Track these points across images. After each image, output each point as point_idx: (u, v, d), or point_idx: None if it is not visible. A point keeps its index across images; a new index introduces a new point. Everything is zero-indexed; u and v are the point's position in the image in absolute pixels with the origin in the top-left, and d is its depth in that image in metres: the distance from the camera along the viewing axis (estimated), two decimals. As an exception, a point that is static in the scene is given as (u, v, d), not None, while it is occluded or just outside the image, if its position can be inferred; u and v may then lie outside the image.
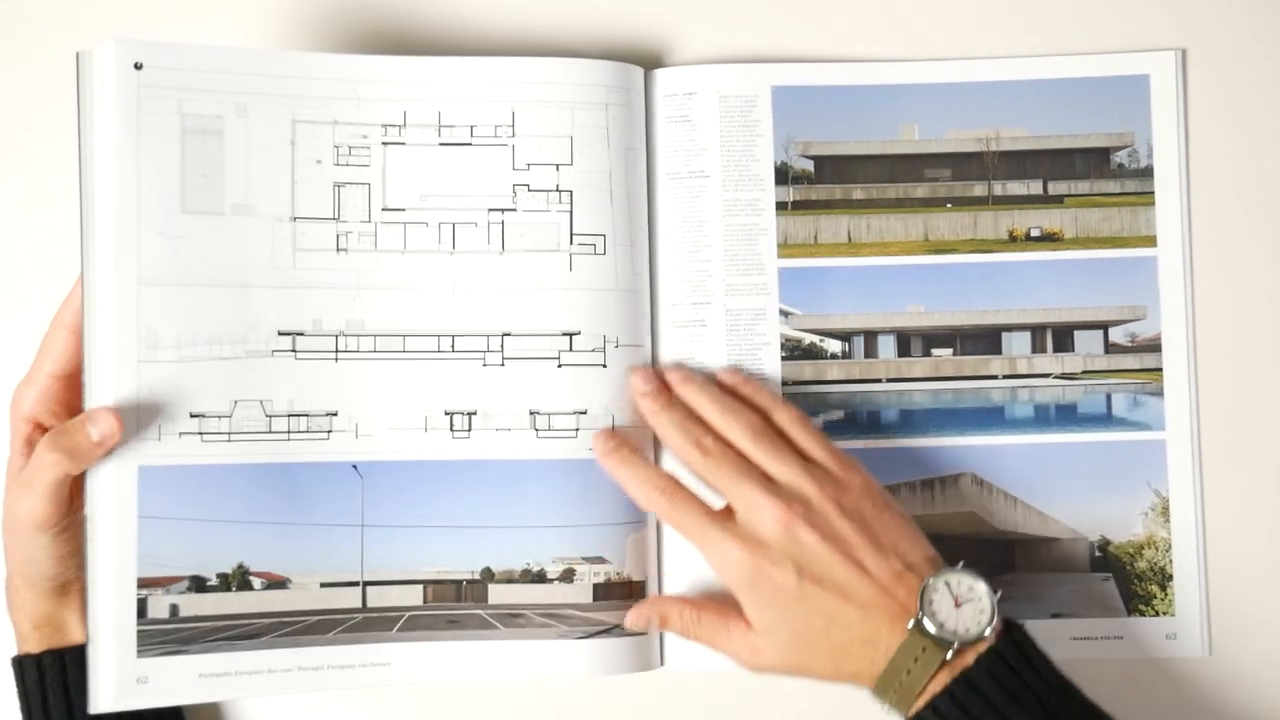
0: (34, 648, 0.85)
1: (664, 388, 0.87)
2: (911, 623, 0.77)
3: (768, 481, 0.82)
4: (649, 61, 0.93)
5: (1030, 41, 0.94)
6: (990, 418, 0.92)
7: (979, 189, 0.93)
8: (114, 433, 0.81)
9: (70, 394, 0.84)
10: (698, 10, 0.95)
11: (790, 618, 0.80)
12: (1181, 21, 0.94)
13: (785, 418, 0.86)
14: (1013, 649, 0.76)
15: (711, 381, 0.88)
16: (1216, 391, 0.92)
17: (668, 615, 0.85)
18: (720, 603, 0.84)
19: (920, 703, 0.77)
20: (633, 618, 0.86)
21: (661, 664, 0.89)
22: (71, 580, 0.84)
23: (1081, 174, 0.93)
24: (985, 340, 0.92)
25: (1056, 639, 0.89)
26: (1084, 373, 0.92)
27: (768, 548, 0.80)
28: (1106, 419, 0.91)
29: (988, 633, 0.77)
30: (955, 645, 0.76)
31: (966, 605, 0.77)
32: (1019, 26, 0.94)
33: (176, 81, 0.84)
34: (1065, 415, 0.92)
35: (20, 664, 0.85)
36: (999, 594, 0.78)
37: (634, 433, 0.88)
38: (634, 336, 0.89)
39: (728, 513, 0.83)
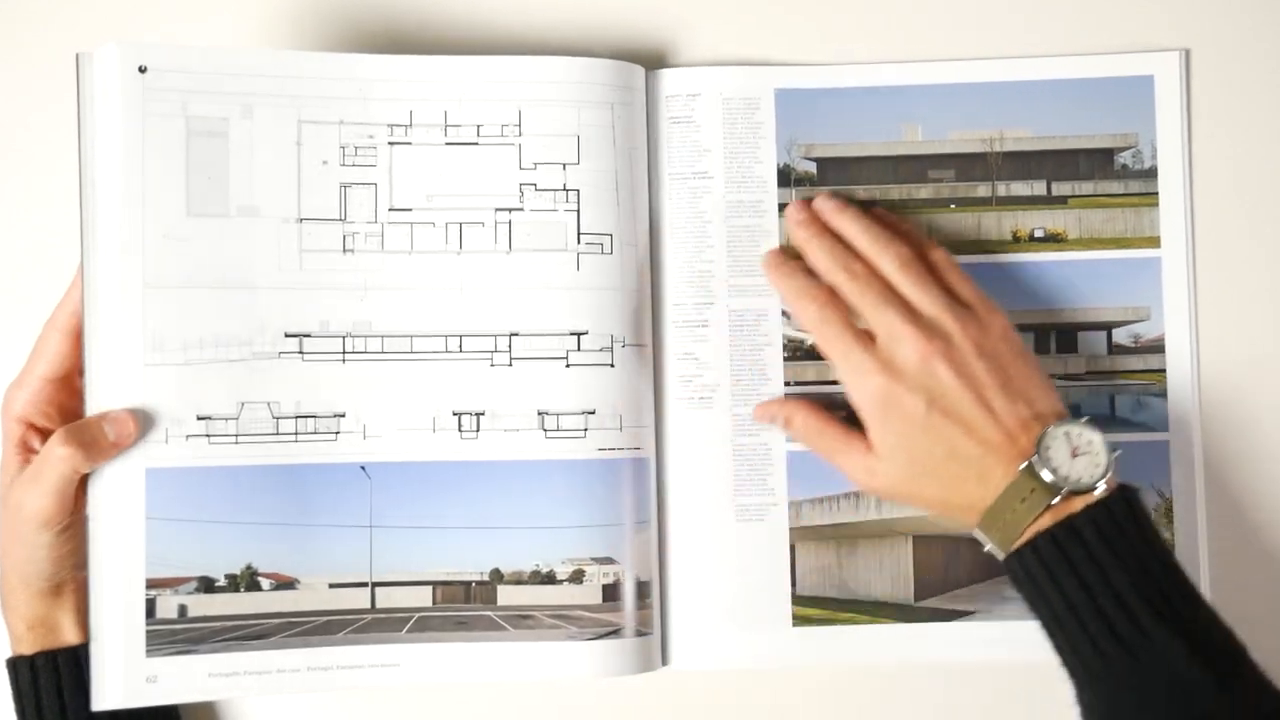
0: (28, 649, 0.85)
1: (816, 218, 0.89)
2: (1024, 464, 0.79)
3: (912, 313, 0.83)
4: (652, 62, 0.93)
5: (1034, 42, 0.94)
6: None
7: (982, 190, 0.93)
8: (131, 434, 0.82)
9: (63, 396, 0.84)
10: (701, 12, 0.95)
11: (912, 445, 0.82)
12: (1185, 22, 0.94)
13: (937, 256, 0.87)
14: (1123, 506, 0.78)
15: (865, 214, 0.89)
16: (1219, 393, 0.92)
17: (793, 418, 0.88)
18: (843, 423, 0.86)
19: (1021, 540, 0.78)
20: (760, 411, 0.90)
21: (665, 664, 0.90)
22: (66, 581, 0.84)
23: (1085, 175, 0.93)
24: (989, 341, 0.93)
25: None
26: (1088, 374, 0.92)
27: (904, 375, 0.82)
28: (1110, 420, 0.92)
29: (1100, 487, 0.78)
30: (1064, 491, 0.78)
31: (1083, 457, 0.78)
32: (1022, 27, 0.95)
33: (181, 84, 0.84)
34: (1069, 416, 0.92)
35: (14, 665, 0.85)
36: (1118, 452, 0.79)
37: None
38: (641, 336, 0.90)
39: (870, 338, 0.84)
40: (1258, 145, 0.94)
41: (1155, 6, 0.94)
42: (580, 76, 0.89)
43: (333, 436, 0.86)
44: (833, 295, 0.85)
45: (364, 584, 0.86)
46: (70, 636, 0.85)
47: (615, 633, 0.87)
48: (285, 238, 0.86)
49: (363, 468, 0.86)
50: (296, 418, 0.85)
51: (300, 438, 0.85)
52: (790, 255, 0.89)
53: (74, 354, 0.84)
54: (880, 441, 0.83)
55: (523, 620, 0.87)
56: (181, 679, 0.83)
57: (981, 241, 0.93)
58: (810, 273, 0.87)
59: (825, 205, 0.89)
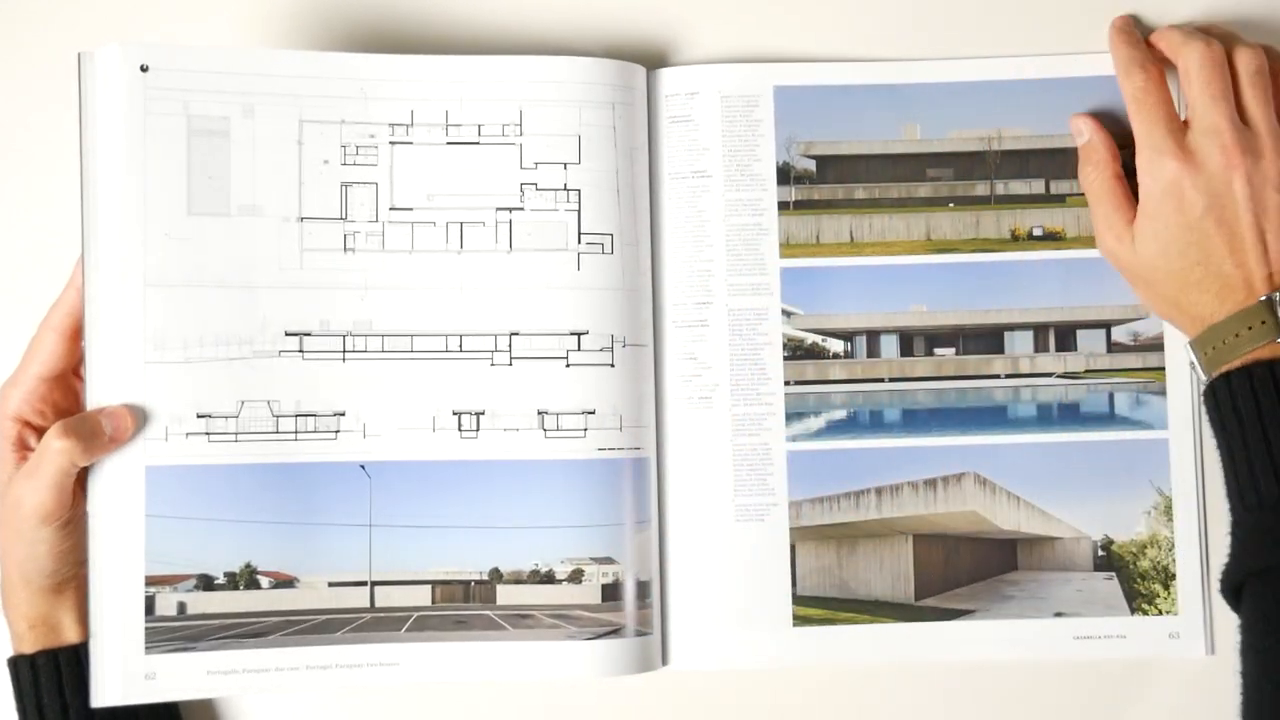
0: (29, 648, 0.85)
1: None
2: (1266, 297, 0.81)
3: (1239, 118, 0.84)
4: (652, 61, 0.94)
5: (1032, 40, 0.94)
6: (993, 417, 0.93)
7: (981, 188, 0.93)
8: (128, 429, 0.83)
9: (58, 395, 0.85)
10: (700, 10, 0.96)
11: (1170, 235, 0.84)
12: (1184, 20, 0.93)
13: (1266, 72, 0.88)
14: None
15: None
16: None
17: (1093, 153, 0.90)
18: (1124, 183, 0.88)
19: (1235, 364, 0.81)
20: (1078, 122, 0.91)
21: (664, 664, 0.90)
22: (68, 579, 0.85)
23: (1084, 173, 0.94)
24: (987, 340, 0.93)
25: (1059, 638, 0.90)
26: (1086, 372, 0.93)
27: (1199, 172, 0.83)
28: (1109, 418, 0.92)
29: None
30: None
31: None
32: (1021, 26, 0.95)
33: (182, 83, 0.85)
34: (1068, 414, 0.93)
35: (15, 664, 0.86)
36: None
37: None
38: (641, 336, 0.90)
39: (1182, 126, 0.85)
40: None
41: (1155, 7, 0.94)
42: (581, 76, 0.89)
43: (333, 435, 0.86)
44: (1161, 74, 0.87)
45: (363, 583, 0.87)
46: (71, 635, 0.86)
47: (615, 632, 0.88)
48: (286, 237, 0.86)
49: (362, 467, 0.87)
50: (296, 416, 0.86)
51: (300, 436, 0.86)
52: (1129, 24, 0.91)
53: (69, 353, 0.85)
54: (1144, 222, 0.85)
55: (522, 620, 0.87)
56: (180, 676, 0.83)
57: (980, 240, 0.93)
58: (1149, 47, 0.89)
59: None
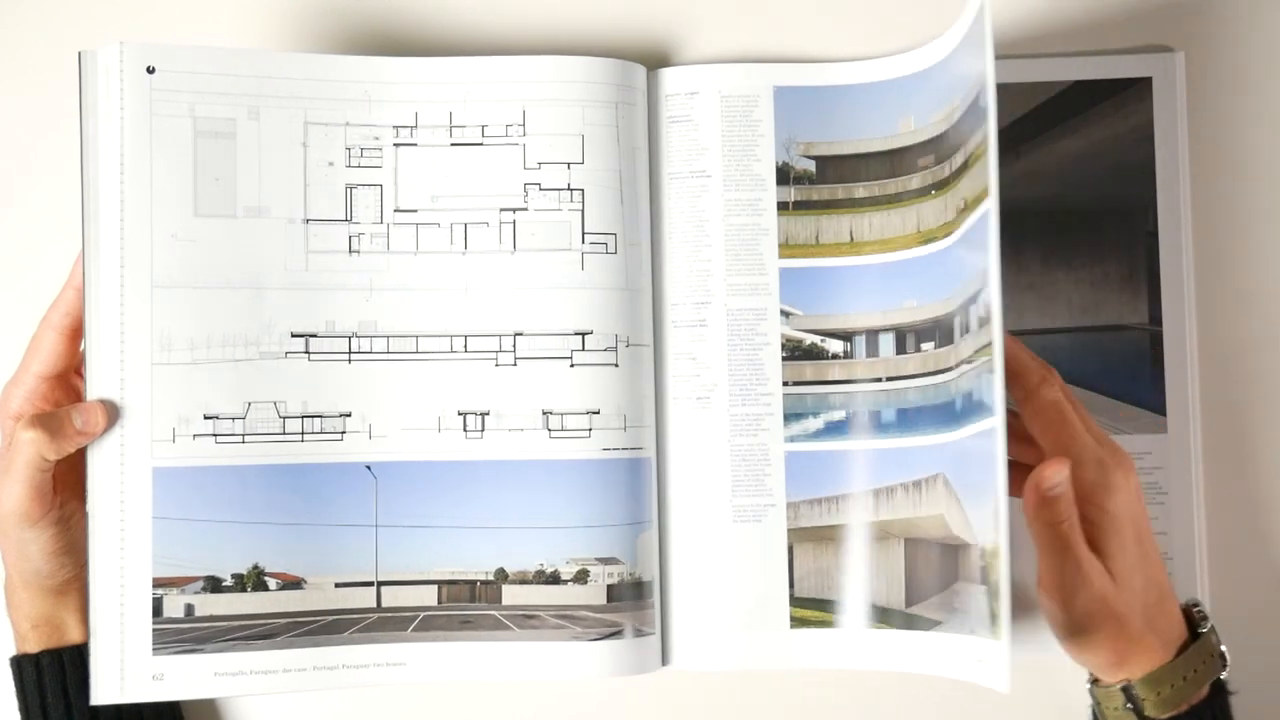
0: (32, 648, 0.87)
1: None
2: (1206, 628, 0.81)
3: None
4: (652, 61, 0.95)
5: (1032, 43, 0.96)
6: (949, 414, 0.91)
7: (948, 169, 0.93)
8: (99, 423, 0.84)
9: (59, 394, 0.87)
10: (700, 10, 0.97)
11: (1143, 560, 0.80)
12: (1184, 23, 0.96)
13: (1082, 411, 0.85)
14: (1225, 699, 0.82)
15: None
16: (1216, 390, 0.95)
17: (1070, 494, 0.78)
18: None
19: (1184, 708, 0.80)
20: (1058, 465, 0.77)
21: (665, 664, 0.91)
22: (70, 580, 0.86)
23: (1083, 173, 0.95)
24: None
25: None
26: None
27: (1135, 482, 0.81)
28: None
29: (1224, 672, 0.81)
30: (1223, 673, 0.81)
31: (1212, 633, 0.82)
32: (1020, 27, 0.97)
33: (188, 85, 0.86)
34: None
35: (19, 664, 0.88)
36: None
37: None
38: (643, 336, 0.92)
39: None
40: (1255, 146, 0.96)
41: (1154, 7, 0.96)
42: (584, 76, 0.90)
43: (339, 436, 0.88)
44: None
45: (370, 583, 0.88)
46: (75, 635, 0.88)
47: (618, 633, 0.89)
48: (292, 238, 0.88)
49: (368, 467, 0.88)
50: (303, 417, 0.88)
51: (306, 437, 0.88)
52: None
53: (69, 352, 0.86)
54: (1125, 546, 0.79)
55: (527, 620, 0.89)
56: (188, 677, 0.85)
57: (951, 224, 0.93)
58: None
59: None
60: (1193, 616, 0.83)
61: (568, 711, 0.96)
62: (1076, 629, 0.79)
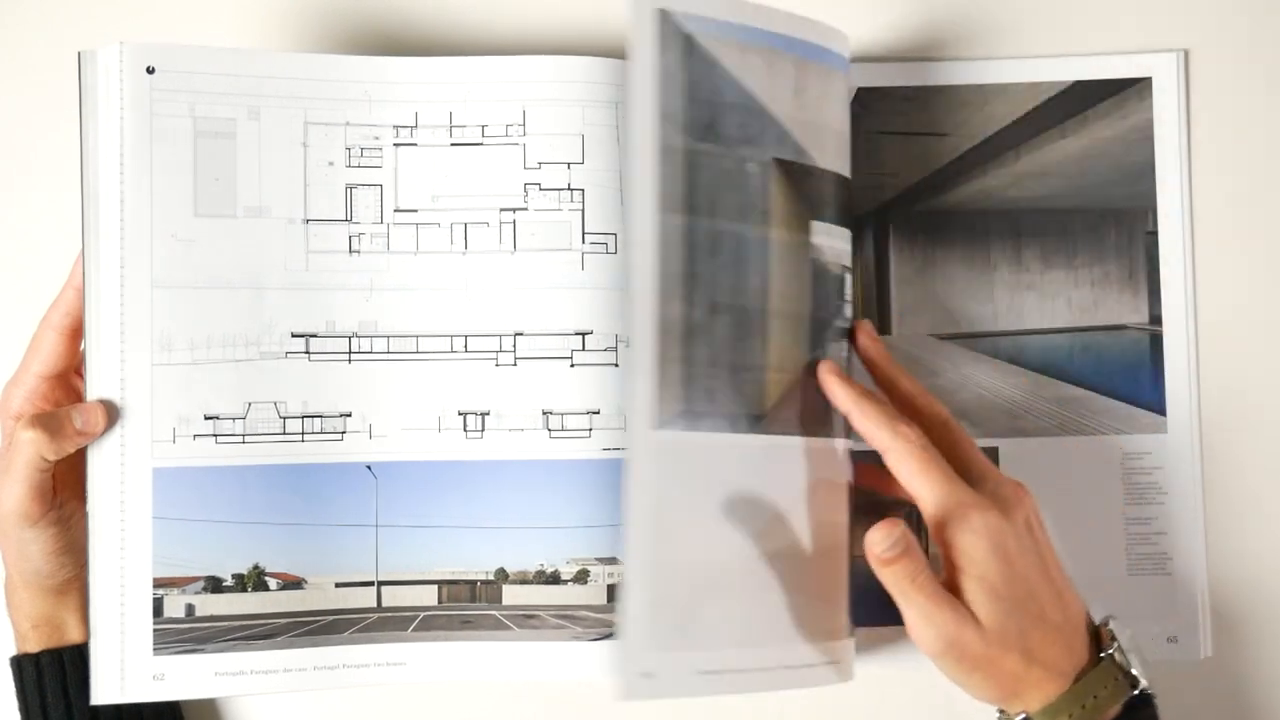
0: (33, 647, 0.88)
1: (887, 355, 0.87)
2: (1112, 649, 0.80)
3: None
4: None
5: (1032, 43, 0.97)
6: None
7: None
8: (98, 423, 0.84)
9: (59, 393, 0.87)
10: None
11: (1011, 599, 0.78)
12: (1184, 23, 0.96)
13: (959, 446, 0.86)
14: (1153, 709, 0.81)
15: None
16: (1217, 390, 0.95)
17: (911, 549, 0.79)
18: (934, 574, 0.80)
19: None
20: (886, 529, 0.78)
21: None
22: (70, 580, 0.87)
23: (1083, 173, 0.96)
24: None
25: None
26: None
27: (1013, 519, 0.80)
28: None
29: (1147, 685, 0.80)
30: (1138, 691, 0.79)
31: (1133, 654, 0.80)
32: (1020, 27, 0.97)
33: (188, 85, 0.87)
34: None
35: (19, 664, 0.88)
36: None
37: None
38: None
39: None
40: (1257, 146, 0.96)
41: (1154, 7, 0.97)
42: (584, 76, 0.90)
43: (339, 436, 0.88)
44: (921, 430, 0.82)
45: (370, 583, 0.89)
46: (75, 635, 0.88)
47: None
48: (292, 238, 0.88)
49: (369, 467, 0.89)
50: (303, 417, 0.88)
51: (307, 437, 0.88)
52: (844, 372, 0.85)
53: (69, 352, 0.87)
54: (978, 588, 0.78)
55: (528, 620, 0.89)
56: (189, 677, 0.85)
57: None
58: (884, 400, 0.84)
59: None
60: (1102, 637, 0.82)
61: (568, 711, 0.96)
62: (945, 673, 0.80)
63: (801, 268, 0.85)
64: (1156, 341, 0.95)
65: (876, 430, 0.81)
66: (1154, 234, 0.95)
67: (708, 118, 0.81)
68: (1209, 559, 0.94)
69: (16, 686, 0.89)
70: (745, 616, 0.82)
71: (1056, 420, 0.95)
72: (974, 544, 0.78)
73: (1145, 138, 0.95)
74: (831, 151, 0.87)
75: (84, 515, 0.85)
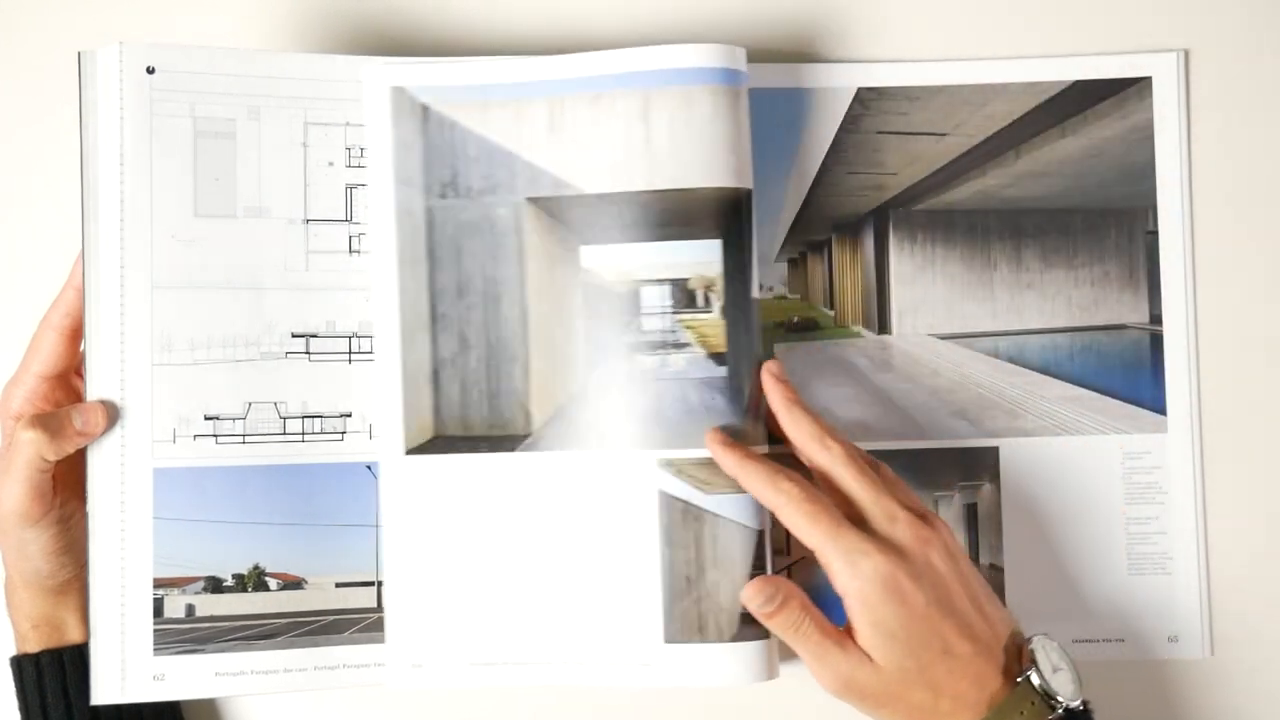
0: (33, 647, 0.88)
1: (788, 385, 0.86)
2: (1029, 674, 0.80)
3: (901, 501, 0.83)
4: None
5: (1032, 42, 0.97)
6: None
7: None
8: (99, 424, 0.84)
9: (59, 394, 0.87)
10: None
11: (908, 639, 0.79)
12: (1184, 23, 0.96)
13: (887, 473, 0.87)
14: None
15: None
16: (1217, 391, 0.95)
17: (789, 601, 0.82)
18: (822, 616, 0.82)
19: None
20: (759, 586, 0.83)
21: None
22: (70, 580, 0.87)
23: (1083, 173, 0.96)
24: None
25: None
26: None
27: (905, 559, 0.80)
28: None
29: (1078, 702, 0.80)
30: (1062, 709, 0.79)
31: (1060, 672, 0.80)
32: (1021, 27, 0.97)
33: (188, 85, 0.87)
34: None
35: (19, 664, 0.88)
36: None
37: None
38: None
39: (857, 520, 0.82)
40: (1257, 145, 0.96)
41: (1154, 7, 0.96)
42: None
43: (339, 436, 0.88)
44: (804, 478, 0.83)
45: (370, 583, 0.89)
46: (75, 635, 0.88)
47: None
48: (292, 239, 0.88)
49: (369, 467, 0.89)
50: (303, 417, 0.88)
51: (307, 438, 0.88)
52: (729, 438, 0.85)
53: (69, 352, 0.87)
54: (873, 635, 0.79)
55: None
56: (189, 678, 0.86)
57: None
58: (765, 459, 0.84)
59: (782, 387, 0.86)
60: (1023, 659, 0.82)
61: (568, 711, 0.96)
62: (853, 708, 0.82)
63: (568, 294, 0.88)
64: (1156, 341, 0.95)
65: (761, 491, 0.83)
66: (1154, 234, 0.96)
67: (448, 175, 0.88)
68: (1209, 559, 0.94)
69: (16, 686, 0.89)
70: (520, 615, 0.88)
71: (1056, 420, 0.95)
72: (864, 589, 0.79)
73: (1145, 137, 0.95)
74: (678, 168, 0.87)
75: (84, 515, 0.86)
